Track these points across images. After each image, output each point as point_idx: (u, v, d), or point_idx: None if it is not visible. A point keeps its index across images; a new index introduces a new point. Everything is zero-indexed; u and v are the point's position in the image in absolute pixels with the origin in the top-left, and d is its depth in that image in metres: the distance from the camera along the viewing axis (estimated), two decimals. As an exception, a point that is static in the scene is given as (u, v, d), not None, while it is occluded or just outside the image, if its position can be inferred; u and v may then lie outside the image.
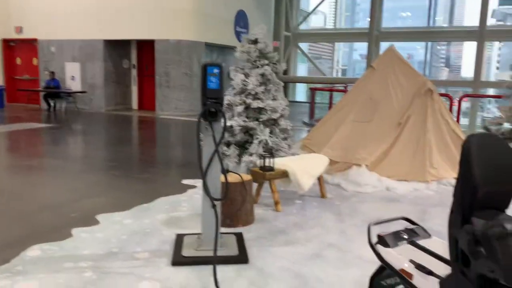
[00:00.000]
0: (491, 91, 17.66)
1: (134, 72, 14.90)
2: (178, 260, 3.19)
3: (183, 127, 11.24)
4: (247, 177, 4.12)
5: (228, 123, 5.56)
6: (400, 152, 5.85)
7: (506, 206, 1.85)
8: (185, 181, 5.55)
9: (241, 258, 3.24)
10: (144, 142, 9.47)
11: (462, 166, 1.70)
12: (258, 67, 5.72)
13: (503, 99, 7.60)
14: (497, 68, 43.83)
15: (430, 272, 1.84)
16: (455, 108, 11.25)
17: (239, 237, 3.60)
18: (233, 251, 3.33)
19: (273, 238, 3.75)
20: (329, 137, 6.35)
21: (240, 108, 5.63)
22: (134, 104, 15.07)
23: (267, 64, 5.74)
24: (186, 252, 3.29)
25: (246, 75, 5.73)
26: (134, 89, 15.02)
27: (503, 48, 42.96)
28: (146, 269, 3.09)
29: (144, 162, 7.03)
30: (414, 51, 44.44)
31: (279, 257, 3.34)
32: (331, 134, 6.38)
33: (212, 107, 3.13)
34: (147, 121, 12.46)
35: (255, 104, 5.63)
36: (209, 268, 3.06)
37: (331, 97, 13.45)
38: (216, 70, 3.12)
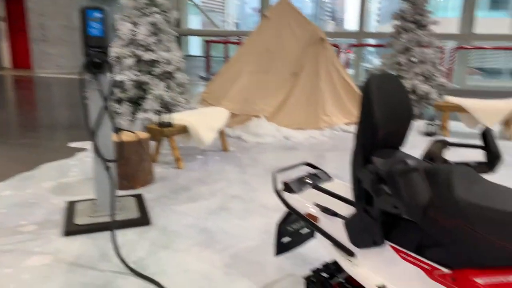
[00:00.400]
0: (373, 42, 18.92)
1: (2, 26, 13.00)
2: (71, 229, 2.90)
3: (67, 86, 10.23)
4: (143, 135, 3.85)
5: (118, 78, 5.12)
6: (296, 102, 5.99)
7: (401, 144, 1.92)
8: (73, 144, 5.06)
9: (142, 220, 3.05)
10: (21, 104, 8.42)
11: (363, 107, 1.69)
12: (147, 15, 5.28)
13: (385, 48, 8.12)
14: (378, 21, 47.05)
15: (334, 214, 1.86)
16: (341, 60, 11.85)
17: (139, 199, 3.39)
18: (133, 213, 3.12)
19: (176, 196, 3.60)
20: (227, 89, 6.24)
21: (130, 61, 5.20)
22: (6, 62, 13.29)
23: (157, 12, 5.33)
24: (80, 220, 3.00)
25: (135, 24, 5.26)
26: (5, 45, 13.18)
27: (383, 1, 46.05)
28: (34, 243, 2.75)
29: (23, 127, 6.25)
30: (302, 5, 45.59)
31: (183, 215, 3.22)
32: (229, 86, 6.28)
33: (96, 57, 2.77)
34: (24, 81, 11.09)
35: (147, 56, 5.24)
36: (108, 234, 2.84)
37: (226, 50, 13.27)
38: (98, 15, 2.74)
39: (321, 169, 2.26)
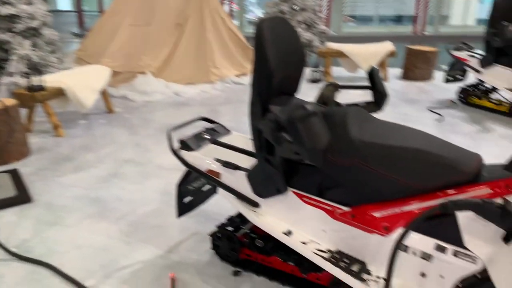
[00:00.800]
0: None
1: None
2: None
3: None
4: (10, 101, 3.34)
5: (-31, 37, 4.34)
6: (183, 55, 5.73)
7: (296, 90, 1.90)
8: None
9: (21, 197, 2.69)
10: None
11: (257, 53, 1.61)
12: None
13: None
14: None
15: (236, 167, 1.80)
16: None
17: (14, 174, 2.98)
18: (9, 191, 2.74)
19: (59, 167, 3.24)
20: (106, 45, 5.71)
21: (-18, 17, 4.42)
22: None
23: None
24: None
25: (-18, -28, 4.44)
26: None
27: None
28: None
29: None
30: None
31: (69, 187, 2.92)
32: (108, 42, 5.74)
33: None
34: None
35: (4, 10, 4.49)
36: (-21, 219, 2.46)
37: (100, 3, 12.14)
38: None
39: (218, 123, 2.17)
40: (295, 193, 1.71)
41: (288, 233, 1.72)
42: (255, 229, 2.01)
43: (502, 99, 4.73)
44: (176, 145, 1.96)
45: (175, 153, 1.92)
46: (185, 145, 1.94)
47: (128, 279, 2.00)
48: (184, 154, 1.93)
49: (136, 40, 5.64)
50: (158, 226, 2.44)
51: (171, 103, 5.04)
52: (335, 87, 1.96)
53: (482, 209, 1.26)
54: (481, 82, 4.92)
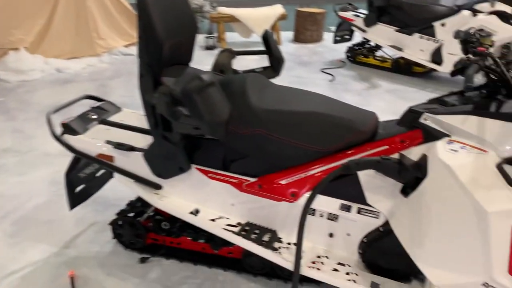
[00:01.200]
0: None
1: None
2: None
3: None
4: None
5: None
6: (61, 27, 5.14)
7: (189, 59, 1.77)
8: None
9: None
10: None
11: (141, 20, 1.44)
12: None
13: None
14: None
15: (131, 148, 1.65)
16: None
17: None
18: None
19: None
20: (-36, 19, 4.89)
21: None
22: None
23: None
24: None
25: None
26: None
27: None
28: None
29: None
30: None
31: None
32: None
33: None
34: None
35: None
36: None
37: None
38: None
39: (106, 100, 1.97)
40: (199, 169, 1.62)
41: (196, 212, 1.64)
42: (160, 211, 1.89)
43: (386, 56, 5.06)
44: (58, 129, 1.73)
45: (57, 138, 1.69)
46: (69, 128, 1.72)
47: (18, 285, 1.77)
48: (69, 138, 1.71)
49: (3, 12, 4.91)
50: (50, 221, 2.18)
51: (53, 81, 4.53)
52: (231, 53, 1.87)
53: (381, 166, 1.30)
54: (366, 40, 5.20)
